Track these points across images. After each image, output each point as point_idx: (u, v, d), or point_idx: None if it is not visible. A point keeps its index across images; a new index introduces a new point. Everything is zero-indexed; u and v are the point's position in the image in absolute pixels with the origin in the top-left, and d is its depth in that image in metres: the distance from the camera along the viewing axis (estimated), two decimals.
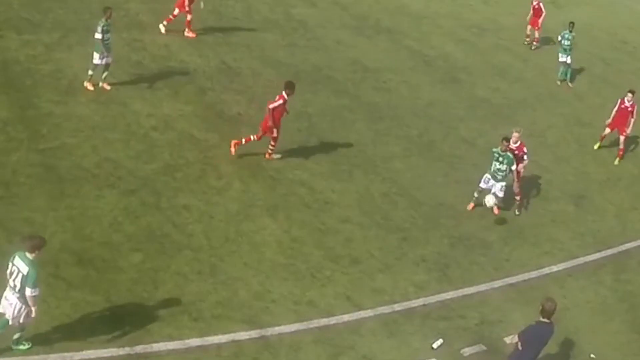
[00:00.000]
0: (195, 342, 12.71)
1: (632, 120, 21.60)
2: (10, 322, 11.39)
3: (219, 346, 12.75)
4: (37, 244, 11.07)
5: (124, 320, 12.65)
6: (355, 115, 21.13)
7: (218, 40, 23.27)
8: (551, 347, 13.26)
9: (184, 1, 22.36)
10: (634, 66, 30.28)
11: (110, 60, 18.78)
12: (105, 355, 12.03)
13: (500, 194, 17.55)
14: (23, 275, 10.96)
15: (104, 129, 17.55)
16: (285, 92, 17.51)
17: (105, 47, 18.45)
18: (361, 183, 18.15)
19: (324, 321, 13.85)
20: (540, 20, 28.75)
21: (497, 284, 16.03)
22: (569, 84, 26.77)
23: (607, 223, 19.25)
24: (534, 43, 29.09)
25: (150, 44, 21.96)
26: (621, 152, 22.13)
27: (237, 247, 15.04)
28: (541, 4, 28.75)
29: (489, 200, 17.45)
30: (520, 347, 12.22)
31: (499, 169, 17.43)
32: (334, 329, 13.76)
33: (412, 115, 22.05)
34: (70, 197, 15.16)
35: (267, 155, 17.98)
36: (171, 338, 12.62)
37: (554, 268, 17.02)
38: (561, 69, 26.58)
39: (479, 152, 20.75)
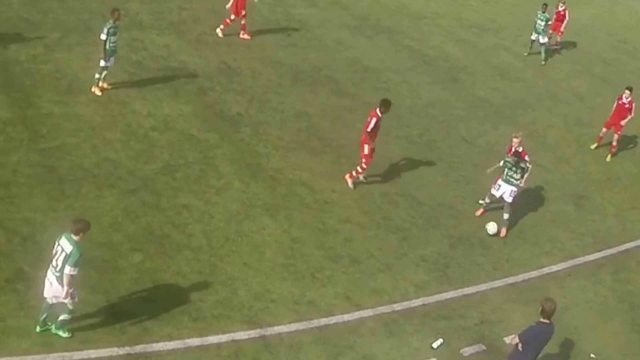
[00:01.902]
0: (195, 341, 12.71)
1: (630, 117, 21.68)
2: (50, 302, 11.79)
3: (219, 346, 12.76)
4: (82, 227, 11.57)
5: (124, 320, 12.66)
6: (355, 115, 21.07)
7: (218, 40, 23.27)
8: (551, 347, 13.27)
9: (238, 5, 22.99)
10: (634, 66, 30.29)
11: (111, 63, 18.65)
12: (105, 354, 12.04)
13: (509, 199, 17.15)
14: (66, 254, 11.42)
15: (104, 129, 17.55)
16: (379, 110, 17.11)
17: (109, 50, 18.29)
18: (361, 183, 18.15)
19: (324, 321, 13.86)
20: (562, 26, 28.73)
21: (497, 284, 16.04)
22: (542, 62, 27.92)
23: (607, 223, 19.26)
24: (555, 46, 29.31)
25: (150, 44, 21.96)
26: (613, 149, 22.25)
27: (237, 247, 15.05)
28: (567, 10, 28.66)
29: (491, 228, 17.12)
30: (520, 348, 12.22)
31: (512, 176, 17.09)
32: (334, 329, 13.77)
33: (412, 115, 22.05)
34: (70, 197, 15.16)
35: (349, 175, 17.57)
36: (171, 338, 12.63)
37: (554, 268, 17.03)
38: (532, 44, 28.05)
39: (479, 152, 20.78)
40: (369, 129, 17.09)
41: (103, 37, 18.07)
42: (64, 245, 11.49)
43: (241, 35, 23.55)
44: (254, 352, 12.83)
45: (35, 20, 21.55)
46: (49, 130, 17.00)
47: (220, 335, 12.94)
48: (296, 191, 17.22)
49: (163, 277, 13.81)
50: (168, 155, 17.24)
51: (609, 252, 18.08)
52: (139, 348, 12.29)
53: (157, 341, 12.48)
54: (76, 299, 11.83)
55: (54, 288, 11.62)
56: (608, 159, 22.23)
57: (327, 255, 15.48)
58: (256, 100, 20.46)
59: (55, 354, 11.78)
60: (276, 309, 13.82)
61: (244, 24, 23.46)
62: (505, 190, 17.24)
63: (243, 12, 23.11)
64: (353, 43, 25.87)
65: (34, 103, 17.83)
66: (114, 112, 18.30)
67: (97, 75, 18.64)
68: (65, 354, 11.83)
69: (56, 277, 11.55)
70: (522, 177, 17.13)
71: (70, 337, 12.04)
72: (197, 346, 12.65)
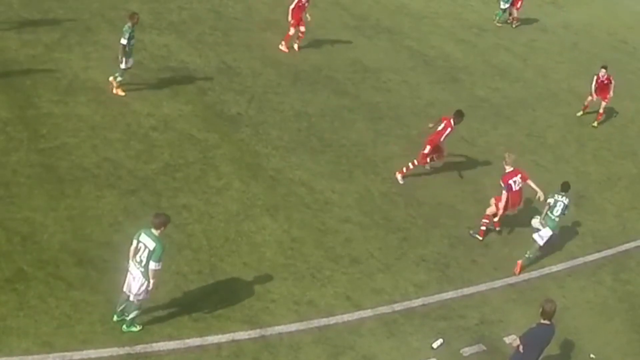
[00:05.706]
0: (195, 341, 12.72)
1: (612, 86, 23.36)
2: (131, 298, 12.09)
3: (219, 346, 12.77)
4: (163, 221, 11.90)
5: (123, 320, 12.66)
6: (355, 115, 21.12)
7: (218, 40, 23.26)
8: (551, 348, 13.27)
9: (295, 18, 23.11)
10: (634, 66, 30.30)
11: (131, 64, 18.70)
12: (105, 355, 12.05)
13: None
14: (149, 250, 11.75)
15: (104, 129, 17.54)
16: (453, 120, 17.74)
17: (128, 52, 18.34)
18: (361, 183, 18.15)
19: (324, 321, 13.86)
20: (519, 2, 30.63)
21: (497, 284, 16.06)
22: (497, 22, 30.56)
23: (607, 223, 19.26)
24: (514, 22, 30.97)
25: (150, 44, 21.94)
26: (599, 117, 23.75)
27: (237, 247, 15.05)
28: None
29: (536, 223, 16.67)
30: (521, 350, 12.23)
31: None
32: (334, 329, 13.78)
33: (412, 115, 22.05)
34: (70, 197, 15.15)
35: (398, 172, 18.26)
36: (171, 338, 12.64)
37: (554, 268, 17.04)
38: (499, 12, 30.58)
39: (479, 152, 20.79)
40: (442, 138, 17.85)
41: (124, 41, 18.03)
42: (145, 241, 11.79)
43: (280, 46, 23.55)
44: (254, 352, 12.84)
45: (35, 20, 21.51)
46: (49, 130, 16.99)
47: (220, 335, 12.95)
48: (296, 191, 17.22)
49: (163, 277, 13.75)
50: (168, 155, 17.24)
51: (609, 252, 18.09)
52: (139, 348, 12.29)
53: (157, 341, 12.49)
54: (148, 296, 12.18)
55: (136, 282, 11.94)
56: (595, 124, 23.72)
57: (327, 255, 15.48)
58: (256, 100, 20.46)
59: (55, 354, 11.78)
60: (276, 309, 13.82)
61: (288, 35, 23.43)
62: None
63: (292, 22, 23.09)
64: (353, 43, 25.85)
65: (34, 103, 17.82)
66: (114, 112, 18.29)
67: (119, 78, 18.62)
68: (66, 353, 11.83)
69: (141, 272, 11.88)
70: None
71: (142, 329, 12.49)
72: (197, 346, 12.65)
